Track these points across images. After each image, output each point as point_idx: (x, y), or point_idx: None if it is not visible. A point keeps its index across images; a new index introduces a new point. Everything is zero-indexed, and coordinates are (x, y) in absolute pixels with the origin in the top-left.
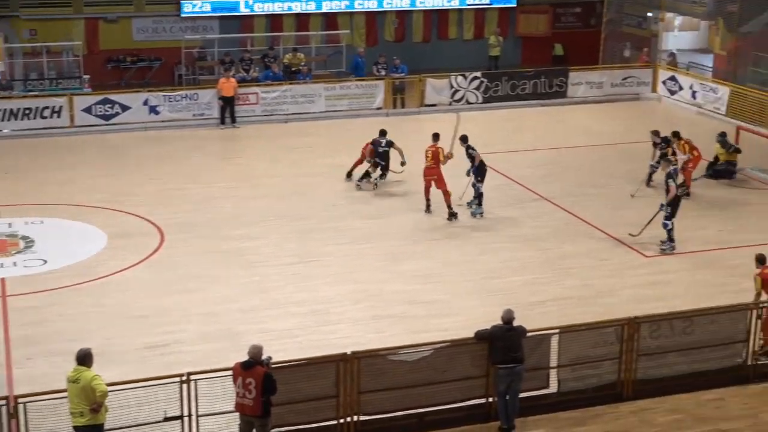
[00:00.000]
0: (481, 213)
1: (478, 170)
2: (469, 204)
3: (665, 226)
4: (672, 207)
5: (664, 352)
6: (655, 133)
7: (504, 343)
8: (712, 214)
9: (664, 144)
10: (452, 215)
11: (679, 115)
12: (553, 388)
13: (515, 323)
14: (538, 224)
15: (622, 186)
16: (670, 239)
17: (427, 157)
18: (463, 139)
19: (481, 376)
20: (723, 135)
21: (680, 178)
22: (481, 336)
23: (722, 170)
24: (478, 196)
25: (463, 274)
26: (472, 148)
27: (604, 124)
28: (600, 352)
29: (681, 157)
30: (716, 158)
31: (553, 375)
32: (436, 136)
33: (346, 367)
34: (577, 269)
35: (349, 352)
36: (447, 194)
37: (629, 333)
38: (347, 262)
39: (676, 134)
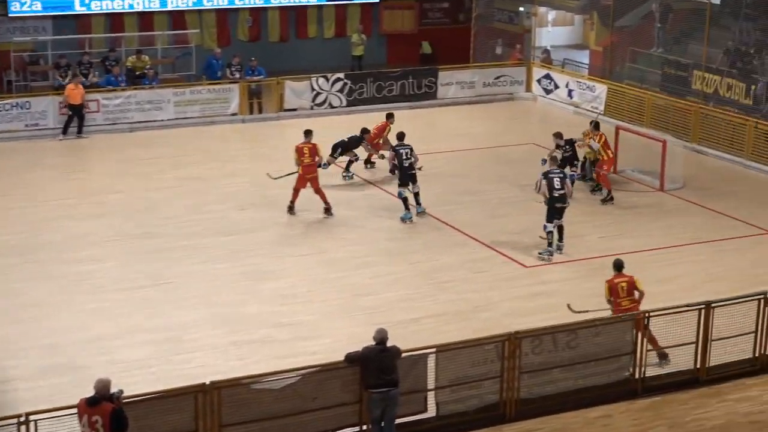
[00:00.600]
0: (410, 218)
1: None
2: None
3: (544, 228)
4: (548, 210)
5: (547, 369)
6: (558, 135)
7: (377, 366)
8: (592, 219)
9: (569, 147)
10: (328, 210)
11: (555, 115)
12: (431, 411)
13: (389, 343)
14: (410, 235)
15: (498, 192)
16: (549, 244)
17: (304, 154)
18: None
19: (353, 402)
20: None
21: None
22: (352, 359)
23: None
24: (404, 201)
25: (331, 291)
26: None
27: (477, 126)
28: (480, 371)
29: (592, 146)
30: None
31: (431, 398)
32: (308, 133)
33: (205, 398)
34: (453, 282)
35: (207, 382)
36: (322, 193)
37: (510, 349)
38: (203, 284)
39: (596, 125)
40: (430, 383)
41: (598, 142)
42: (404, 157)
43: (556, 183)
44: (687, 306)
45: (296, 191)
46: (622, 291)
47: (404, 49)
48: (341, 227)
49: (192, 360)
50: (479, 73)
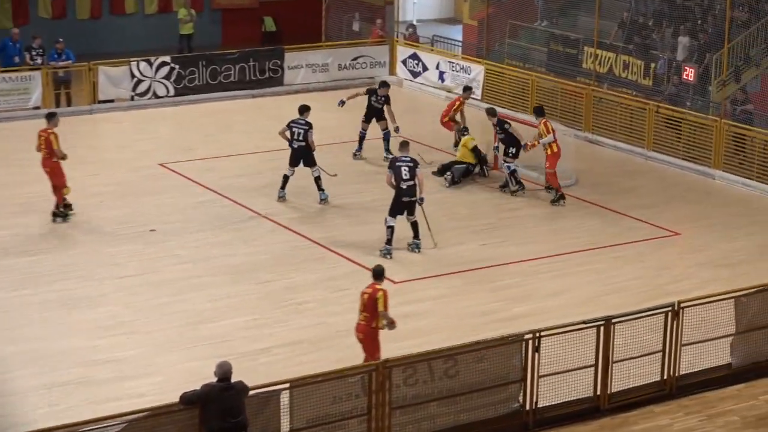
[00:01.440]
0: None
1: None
2: None
3: (385, 221)
4: (393, 203)
5: (423, 402)
6: (490, 112)
7: (220, 406)
8: (470, 223)
9: (500, 129)
10: (57, 215)
11: (425, 102)
12: None
13: (233, 379)
14: (256, 249)
15: (361, 195)
16: (388, 242)
17: (41, 144)
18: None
19: None
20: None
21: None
22: (189, 399)
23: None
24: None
25: (161, 320)
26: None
27: (332, 118)
28: (344, 408)
29: (543, 141)
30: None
31: None
32: (50, 116)
33: None
34: (309, 304)
35: None
36: (60, 194)
37: (379, 381)
38: (3, 314)
39: (539, 111)
40: (284, 425)
41: (546, 132)
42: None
43: (404, 173)
44: (583, 323)
45: (57, 189)
46: (361, 304)
47: (243, 27)
48: (172, 241)
49: None
50: (333, 54)
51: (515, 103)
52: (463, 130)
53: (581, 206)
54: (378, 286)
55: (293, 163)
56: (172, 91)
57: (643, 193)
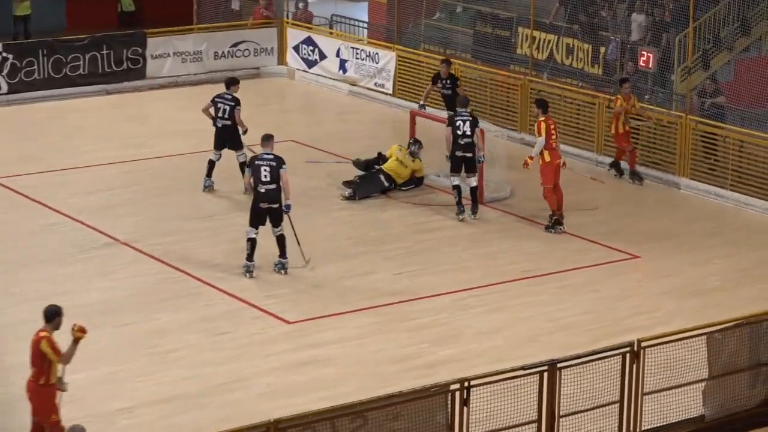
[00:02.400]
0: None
1: None
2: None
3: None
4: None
5: None
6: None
7: None
8: (382, 247)
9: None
10: None
11: (323, 98)
12: None
13: None
14: (114, 284)
15: (238, 215)
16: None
17: None
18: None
19: None
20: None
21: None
22: None
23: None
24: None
25: None
26: None
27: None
28: None
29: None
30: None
31: None
32: None
33: None
34: (182, 352)
35: None
36: None
37: None
38: None
39: (542, 104)
40: None
41: (539, 132)
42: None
43: (264, 174)
44: (522, 368)
45: None
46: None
47: (93, 6)
48: (9, 275)
49: None
50: (208, 40)
51: (434, 97)
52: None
53: (519, 225)
54: (43, 333)
55: (218, 145)
56: (4, 88)
57: (595, 208)
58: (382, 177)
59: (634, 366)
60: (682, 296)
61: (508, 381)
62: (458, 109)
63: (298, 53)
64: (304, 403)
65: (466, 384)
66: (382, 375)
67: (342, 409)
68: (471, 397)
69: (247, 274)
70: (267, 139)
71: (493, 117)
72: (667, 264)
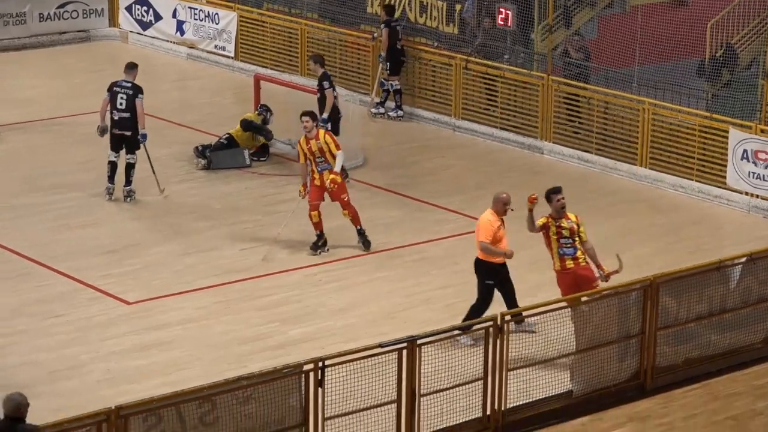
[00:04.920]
0: None
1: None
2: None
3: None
4: None
5: None
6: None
7: None
8: (228, 223)
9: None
10: None
11: (160, 63)
12: None
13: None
14: None
15: (75, 188)
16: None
17: None
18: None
19: None
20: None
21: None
22: None
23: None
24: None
25: None
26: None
27: (35, 87)
28: None
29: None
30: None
31: None
32: None
33: None
34: (11, 337)
35: None
36: None
37: None
38: None
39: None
40: None
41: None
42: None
43: (119, 101)
44: (379, 346)
45: None
46: None
47: None
48: None
49: None
50: (32, 0)
51: (280, 61)
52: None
53: (372, 194)
54: None
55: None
56: None
57: (453, 175)
58: (245, 153)
59: (499, 340)
60: (546, 268)
61: (365, 359)
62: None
63: (131, 14)
64: (147, 388)
65: (320, 364)
66: (231, 357)
67: (188, 393)
68: (326, 378)
69: (107, 196)
70: (130, 67)
71: (344, 81)
72: (530, 233)
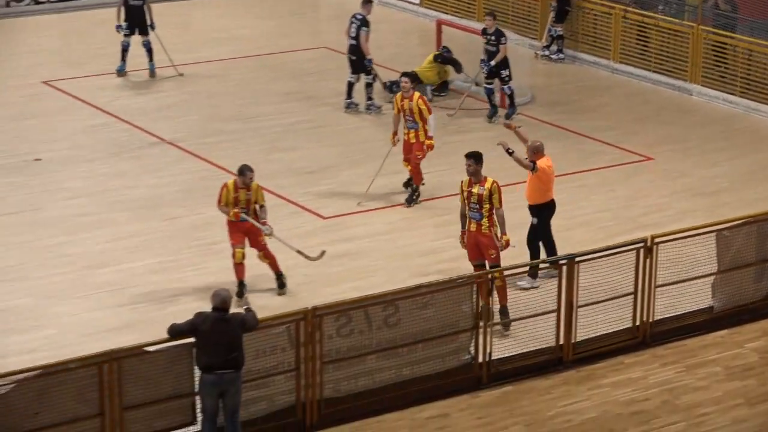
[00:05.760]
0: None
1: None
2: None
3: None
4: None
5: (360, 356)
6: (491, 15)
7: (213, 339)
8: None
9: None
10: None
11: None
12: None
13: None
14: (160, 181)
15: (280, 116)
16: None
17: None
18: None
19: (93, 415)
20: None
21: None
22: (178, 330)
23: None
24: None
25: (51, 264)
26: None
27: (247, 26)
28: (268, 363)
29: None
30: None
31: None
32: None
33: None
34: (224, 244)
35: None
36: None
37: (308, 332)
38: None
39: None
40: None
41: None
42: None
43: (352, 30)
44: (543, 262)
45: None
46: None
47: None
48: (61, 172)
49: None
50: None
51: (459, 7)
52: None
53: (538, 128)
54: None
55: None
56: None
57: (610, 112)
58: (428, 89)
59: (648, 261)
60: (693, 196)
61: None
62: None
63: None
64: (338, 292)
65: (489, 276)
66: (412, 267)
67: (374, 297)
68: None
69: (349, 109)
70: (366, 2)
71: (515, 26)
72: (679, 166)
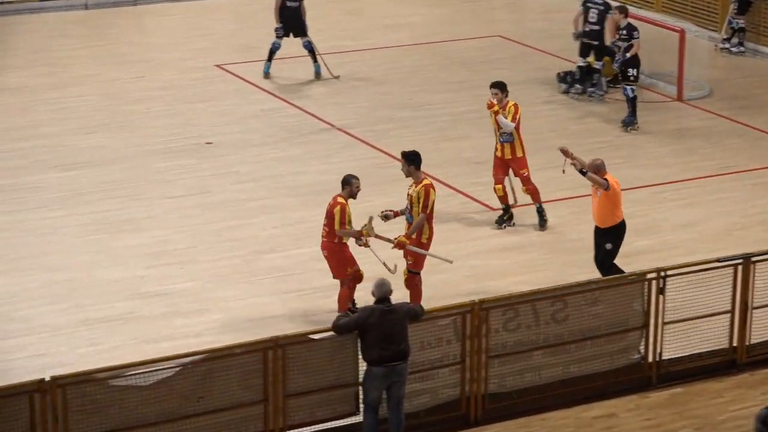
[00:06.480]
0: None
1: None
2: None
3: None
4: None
5: (526, 351)
6: (622, 10)
7: (381, 332)
8: (588, 141)
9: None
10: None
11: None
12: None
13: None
14: (329, 167)
15: (451, 105)
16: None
17: None
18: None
19: (256, 401)
20: None
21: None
22: (346, 327)
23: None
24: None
25: (219, 248)
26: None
27: (419, 13)
28: (432, 355)
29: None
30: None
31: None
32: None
33: (43, 400)
34: (394, 233)
35: (47, 378)
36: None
37: (474, 325)
38: (34, 239)
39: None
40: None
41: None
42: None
43: (591, 15)
44: (717, 261)
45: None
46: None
47: None
48: (231, 156)
49: (23, 347)
50: None
51: None
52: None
53: (716, 122)
54: (340, 199)
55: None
56: None
57: None
58: (603, 80)
59: None
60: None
61: (703, 272)
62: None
63: None
64: (506, 285)
65: (662, 274)
66: (581, 262)
67: (543, 292)
68: (667, 286)
69: (571, 94)
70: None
71: (695, 18)
72: None
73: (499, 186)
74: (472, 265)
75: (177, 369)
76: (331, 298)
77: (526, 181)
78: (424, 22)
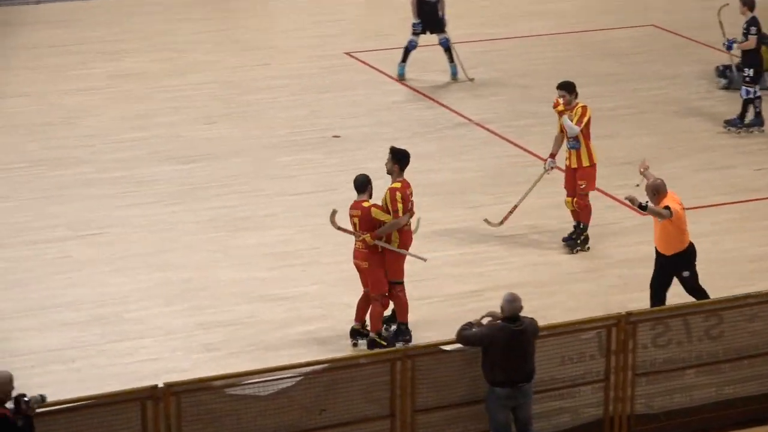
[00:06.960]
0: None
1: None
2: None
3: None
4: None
5: (677, 370)
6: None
7: (509, 352)
8: (739, 143)
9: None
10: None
11: None
12: None
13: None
14: (465, 165)
15: (600, 100)
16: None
17: None
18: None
19: (382, 416)
20: None
21: None
22: (469, 340)
23: None
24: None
25: (345, 249)
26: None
27: (563, 1)
28: (573, 371)
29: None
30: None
31: None
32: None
33: (156, 408)
34: (534, 236)
35: (160, 385)
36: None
37: (620, 339)
38: (149, 236)
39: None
40: None
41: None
42: None
43: None
44: None
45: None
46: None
47: None
48: (360, 150)
49: (135, 351)
50: None
51: None
52: None
53: None
54: (365, 203)
55: None
56: None
57: None
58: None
59: None
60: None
61: None
62: None
63: None
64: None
65: None
66: (739, 273)
67: (696, 306)
68: None
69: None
70: None
71: None
72: None
73: (569, 199)
74: (620, 274)
75: (298, 379)
76: (466, 307)
77: (581, 196)
78: (572, 9)
